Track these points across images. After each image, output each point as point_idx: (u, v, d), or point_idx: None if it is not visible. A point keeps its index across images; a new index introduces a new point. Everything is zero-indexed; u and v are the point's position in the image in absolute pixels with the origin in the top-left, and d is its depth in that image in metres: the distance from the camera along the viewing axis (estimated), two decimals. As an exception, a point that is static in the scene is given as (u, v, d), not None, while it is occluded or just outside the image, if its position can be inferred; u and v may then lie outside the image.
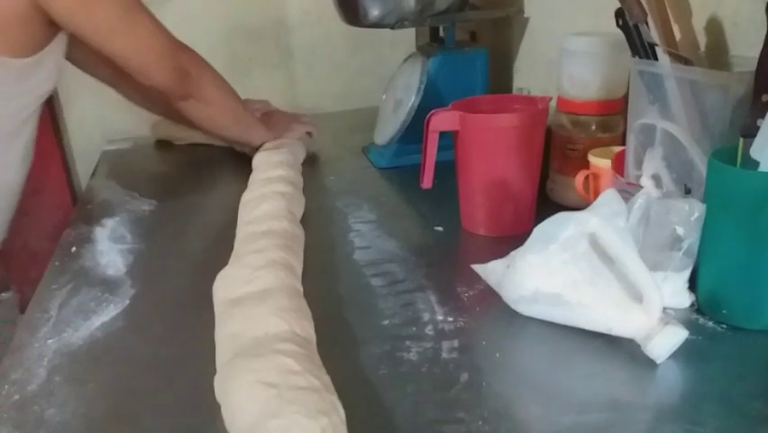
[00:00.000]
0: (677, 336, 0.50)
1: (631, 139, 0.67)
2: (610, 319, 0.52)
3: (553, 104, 0.76)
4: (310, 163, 1.03)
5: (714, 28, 0.68)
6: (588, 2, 0.90)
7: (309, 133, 1.07)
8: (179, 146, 1.18)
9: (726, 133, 0.56)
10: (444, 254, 0.72)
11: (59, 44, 0.82)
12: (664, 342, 0.49)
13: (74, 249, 0.77)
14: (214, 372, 0.49)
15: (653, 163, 0.60)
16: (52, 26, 0.78)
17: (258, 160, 0.93)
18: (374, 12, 0.95)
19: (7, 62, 0.76)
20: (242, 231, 0.71)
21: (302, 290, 0.60)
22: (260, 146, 0.99)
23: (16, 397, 0.51)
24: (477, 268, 0.64)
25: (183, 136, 1.17)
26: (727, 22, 0.66)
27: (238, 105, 0.95)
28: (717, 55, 0.67)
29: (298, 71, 1.44)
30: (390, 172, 0.99)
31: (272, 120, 1.04)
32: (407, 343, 0.55)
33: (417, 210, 0.85)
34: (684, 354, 0.51)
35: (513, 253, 0.59)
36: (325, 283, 0.66)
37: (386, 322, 0.58)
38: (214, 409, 0.46)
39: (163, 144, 1.21)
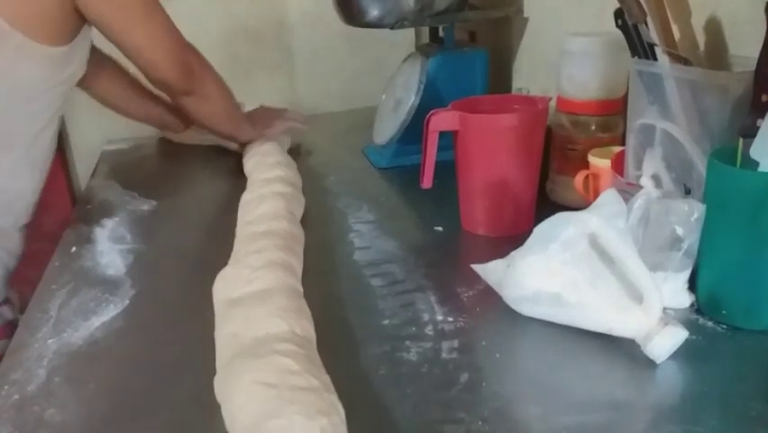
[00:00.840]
0: (677, 336, 0.50)
1: (631, 139, 0.67)
2: (610, 320, 0.52)
3: (552, 104, 0.76)
4: (310, 164, 1.03)
5: (713, 28, 0.68)
6: (587, 2, 0.90)
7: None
8: (179, 146, 1.18)
9: (725, 134, 0.56)
10: (444, 255, 0.72)
11: (87, 32, 0.86)
12: (664, 342, 0.49)
13: (74, 249, 0.77)
14: (214, 372, 0.49)
15: (652, 163, 0.60)
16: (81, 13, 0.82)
17: (251, 164, 0.93)
18: (373, 12, 0.95)
19: (48, 51, 0.79)
20: (241, 231, 0.71)
21: (302, 290, 0.60)
22: (246, 144, 1.01)
23: (16, 397, 0.51)
24: (477, 268, 0.64)
25: (182, 137, 1.17)
26: (727, 22, 0.66)
27: (232, 103, 1.00)
28: (716, 55, 0.67)
29: (298, 72, 1.44)
30: (390, 172, 0.99)
31: (254, 116, 1.07)
32: (407, 343, 0.55)
33: (417, 210, 0.85)
34: (684, 354, 0.51)
35: (513, 253, 0.59)
36: (325, 283, 0.66)
37: (386, 322, 0.58)
38: (215, 409, 0.45)
39: (163, 145, 1.21)
